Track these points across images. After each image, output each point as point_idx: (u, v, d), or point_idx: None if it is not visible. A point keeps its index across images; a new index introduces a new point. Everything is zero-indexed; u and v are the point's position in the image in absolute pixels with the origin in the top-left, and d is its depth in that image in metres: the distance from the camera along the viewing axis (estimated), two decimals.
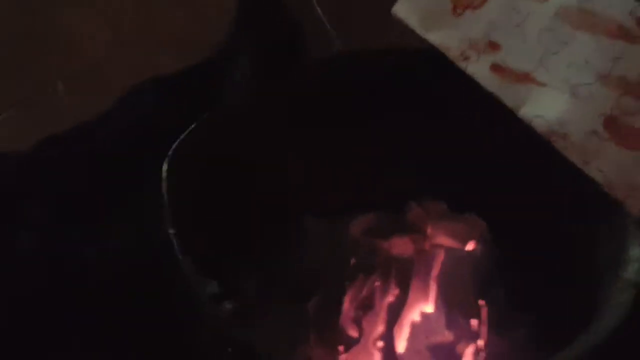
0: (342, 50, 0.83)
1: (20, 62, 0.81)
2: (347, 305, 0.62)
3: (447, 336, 0.60)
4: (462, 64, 0.58)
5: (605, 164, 0.54)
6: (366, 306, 0.61)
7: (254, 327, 0.53)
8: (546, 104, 0.56)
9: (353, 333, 0.61)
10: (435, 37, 0.59)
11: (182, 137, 0.60)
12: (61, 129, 0.79)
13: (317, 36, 0.84)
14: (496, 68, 0.57)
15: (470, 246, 0.63)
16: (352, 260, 0.64)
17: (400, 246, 0.67)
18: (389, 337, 0.60)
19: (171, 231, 0.53)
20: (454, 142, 0.69)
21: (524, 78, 0.56)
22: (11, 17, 0.82)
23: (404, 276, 0.61)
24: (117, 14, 0.86)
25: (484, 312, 0.61)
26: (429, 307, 0.60)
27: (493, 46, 0.58)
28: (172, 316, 0.66)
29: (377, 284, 0.61)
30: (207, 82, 0.83)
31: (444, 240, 0.63)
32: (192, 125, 0.61)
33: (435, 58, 0.66)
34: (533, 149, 0.63)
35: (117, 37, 0.87)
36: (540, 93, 0.56)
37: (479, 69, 0.57)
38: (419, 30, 0.59)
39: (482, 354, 0.61)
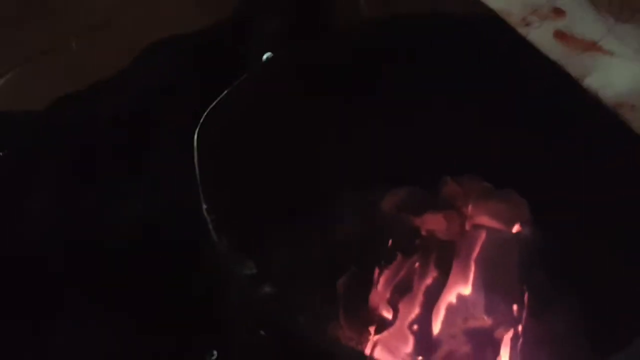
0: (371, 17, 0.79)
1: (32, 16, 0.77)
2: (382, 286, 0.59)
3: (486, 321, 0.57)
4: (523, 30, 0.54)
5: None
6: (403, 288, 0.58)
7: (292, 311, 0.50)
8: (614, 74, 0.52)
9: (387, 315, 0.59)
10: (496, 2, 0.55)
11: (213, 104, 0.56)
12: (76, 87, 0.76)
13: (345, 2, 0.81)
14: (560, 35, 0.53)
15: (514, 228, 0.60)
16: (389, 240, 0.61)
17: (433, 222, 0.64)
18: (425, 321, 0.58)
19: (205, 207, 0.50)
20: (490, 114, 0.66)
21: (591, 47, 0.53)
22: None
23: (445, 258, 0.58)
24: None
25: (525, 297, 0.59)
26: (468, 291, 0.58)
27: (557, 12, 0.54)
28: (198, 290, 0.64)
29: (417, 265, 0.59)
30: (230, 43, 0.80)
31: (487, 220, 0.60)
32: (224, 92, 0.57)
33: (470, 24, 0.63)
34: (573, 124, 0.61)
35: None
36: (608, 62, 0.52)
37: (541, 36, 0.53)
38: None
39: (521, 340, 0.58)
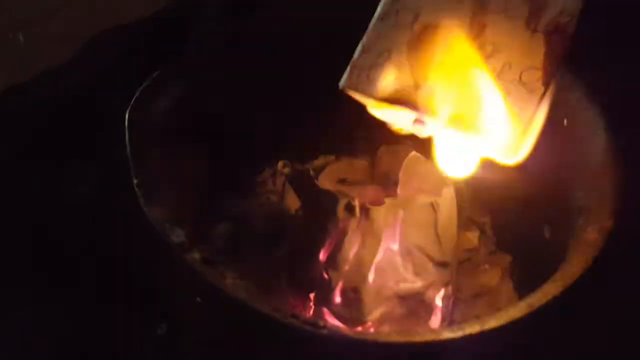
0: None
1: None
2: (321, 254, 0.61)
3: (416, 282, 0.59)
4: None
5: None
6: (340, 256, 0.60)
7: (224, 275, 0.52)
8: None
9: (325, 282, 0.61)
10: None
11: (144, 84, 0.58)
12: (23, 79, 0.78)
13: None
14: None
15: (441, 192, 0.62)
16: (326, 209, 0.63)
17: (372, 194, 0.66)
18: (360, 286, 0.60)
19: (135, 181, 0.52)
20: None
21: None
22: None
23: (378, 226, 0.60)
24: None
25: (456, 257, 0.61)
26: (398, 255, 0.60)
27: None
28: (141, 264, 0.65)
29: (351, 232, 0.60)
30: (173, 30, 0.82)
31: (415, 187, 0.62)
32: (155, 73, 0.59)
33: None
34: None
35: None
36: None
37: None
38: None
39: (453, 298, 0.61)
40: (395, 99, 0.52)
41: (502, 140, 0.51)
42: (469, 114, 0.51)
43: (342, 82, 0.54)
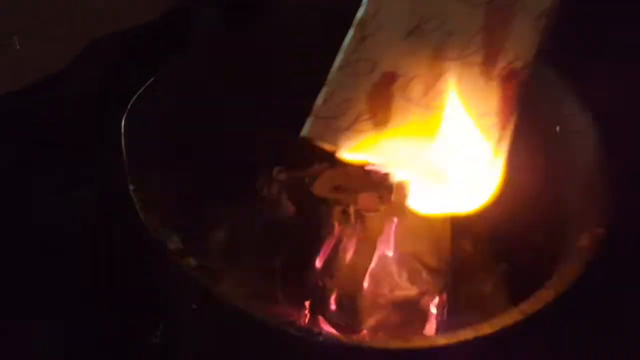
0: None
1: None
2: (316, 262, 0.61)
3: (411, 290, 0.60)
4: None
5: None
6: (335, 263, 0.60)
7: (219, 282, 0.53)
8: None
9: (320, 289, 0.61)
10: None
11: (141, 90, 0.58)
12: (21, 85, 0.78)
13: None
14: None
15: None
16: (321, 217, 0.63)
17: (367, 201, 0.67)
18: (355, 293, 0.60)
19: (131, 187, 0.52)
20: None
21: None
22: None
23: (372, 234, 0.60)
24: None
25: (450, 265, 0.61)
26: (393, 262, 0.60)
27: None
28: (136, 270, 0.65)
29: (345, 239, 0.61)
30: (172, 36, 0.82)
31: (408, 195, 0.63)
32: (152, 78, 0.59)
33: None
34: None
35: None
36: None
37: None
38: None
39: (447, 306, 0.61)
40: (358, 149, 0.53)
41: (464, 184, 0.53)
42: (430, 160, 0.53)
43: (305, 131, 0.54)
